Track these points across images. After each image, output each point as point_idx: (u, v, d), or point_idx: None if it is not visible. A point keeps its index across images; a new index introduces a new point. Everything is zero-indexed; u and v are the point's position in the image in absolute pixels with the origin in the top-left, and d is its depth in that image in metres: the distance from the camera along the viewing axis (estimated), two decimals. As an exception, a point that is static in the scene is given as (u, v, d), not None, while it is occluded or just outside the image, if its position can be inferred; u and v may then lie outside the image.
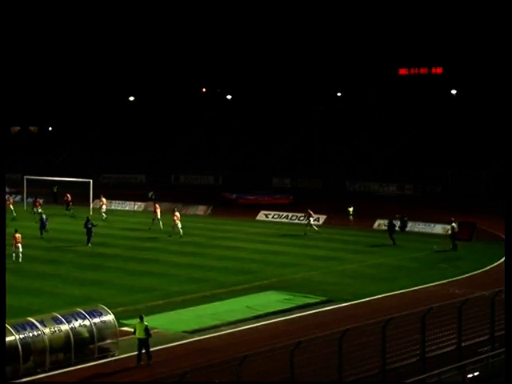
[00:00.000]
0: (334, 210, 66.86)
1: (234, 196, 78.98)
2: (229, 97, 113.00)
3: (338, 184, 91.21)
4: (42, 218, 55.59)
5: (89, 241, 51.04)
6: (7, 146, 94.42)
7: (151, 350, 27.71)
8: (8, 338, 26.29)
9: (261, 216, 66.66)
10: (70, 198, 67.25)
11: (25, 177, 73.39)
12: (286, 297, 37.97)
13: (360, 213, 65.63)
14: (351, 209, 64.83)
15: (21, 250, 45.70)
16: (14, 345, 26.28)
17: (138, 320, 28.21)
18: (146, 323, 27.77)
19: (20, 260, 45.46)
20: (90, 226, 51.29)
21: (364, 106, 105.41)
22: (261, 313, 34.82)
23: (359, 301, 37.16)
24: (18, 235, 45.81)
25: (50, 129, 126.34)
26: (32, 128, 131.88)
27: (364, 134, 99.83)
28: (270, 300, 37.32)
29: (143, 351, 27.51)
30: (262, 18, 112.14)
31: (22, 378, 26.26)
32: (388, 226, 54.08)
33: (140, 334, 27.52)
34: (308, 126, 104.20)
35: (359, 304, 36.68)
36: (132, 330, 29.00)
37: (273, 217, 66.09)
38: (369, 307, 35.84)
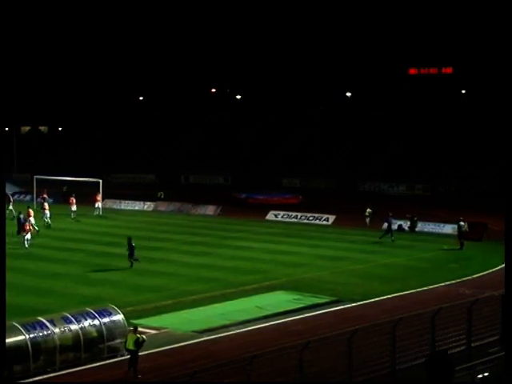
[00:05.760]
0: (343, 210, 66.77)
1: (244, 196, 78.94)
2: (238, 96, 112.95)
3: (348, 184, 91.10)
4: (19, 218, 55.06)
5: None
6: (17, 146, 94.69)
7: (160, 349, 27.65)
8: (18, 338, 26.44)
9: (270, 216, 66.64)
10: (74, 202, 66.10)
11: (34, 176, 73.47)
12: (296, 297, 37.96)
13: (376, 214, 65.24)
14: (369, 210, 61.64)
15: (29, 237, 49.72)
16: (24, 344, 26.40)
17: (132, 330, 27.65)
18: (137, 335, 27.08)
19: (27, 246, 49.01)
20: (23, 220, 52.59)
21: (374, 106, 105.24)
22: (270, 313, 34.80)
23: (368, 301, 37.11)
24: (27, 225, 50.38)
25: (60, 129, 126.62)
26: (42, 128, 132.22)
27: (373, 134, 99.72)
28: (280, 300, 37.32)
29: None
30: (273, 16, 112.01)
31: (32, 377, 26.34)
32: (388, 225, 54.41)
33: (129, 345, 26.90)
34: (317, 125, 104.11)
35: (368, 304, 36.64)
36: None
37: (282, 217, 66.05)
38: (378, 307, 35.80)
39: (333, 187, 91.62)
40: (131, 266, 43.81)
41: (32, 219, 56.28)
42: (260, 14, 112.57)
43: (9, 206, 64.45)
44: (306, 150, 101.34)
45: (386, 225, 54.97)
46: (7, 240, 53.46)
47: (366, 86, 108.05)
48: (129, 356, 26.97)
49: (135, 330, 27.42)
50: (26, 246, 49.60)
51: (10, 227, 57.42)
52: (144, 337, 27.39)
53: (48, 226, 59.02)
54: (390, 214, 55.70)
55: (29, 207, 59.09)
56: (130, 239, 44.53)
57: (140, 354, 27.24)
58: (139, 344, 26.82)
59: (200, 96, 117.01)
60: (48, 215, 60.23)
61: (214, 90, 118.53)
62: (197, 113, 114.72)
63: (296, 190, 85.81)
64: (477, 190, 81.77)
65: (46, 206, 61.93)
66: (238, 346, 29.50)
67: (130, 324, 29.80)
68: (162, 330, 30.16)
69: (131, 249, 44.19)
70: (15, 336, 26.45)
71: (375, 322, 29.03)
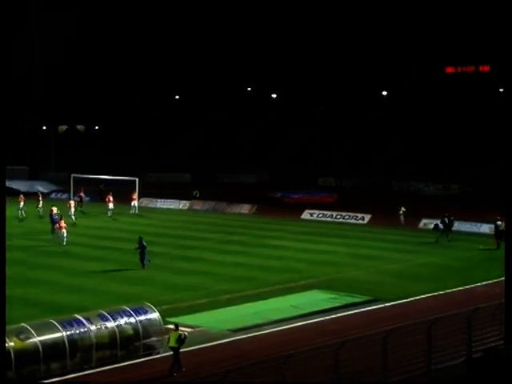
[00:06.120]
0: (379, 209, 66.51)
1: (279, 195, 78.85)
2: (274, 95, 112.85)
3: (384, 183, 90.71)
4: (51, 216, 55.73)
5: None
6: (55, 144, 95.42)
7: (194, 348, 27.72)
8: (55, 335, 26.72)
9: (305, 215, 66.54)
10: (111, 200, 66.50)
11: (72, 175, 74.11)
12: (331, 296, 37.89)
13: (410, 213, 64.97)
14: (403, 209, 61.94)
15: (65, 235, 50.48)
16: (61, 341, 26.65)
17: (173, 327, 27.86)
18: (179, 332, 27.33)
19: (65, 243, 49.85)
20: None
21: (411, 105, 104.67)
22: (305, 312, 34.75)
23: (404, 300, 36.93)
24: (62, 222, 51.19)
25: (97, 128, 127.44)
26: (79, 127, 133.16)
27: (411, 133, 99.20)
28: (315, 299, 37.26)
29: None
30: (278, 13, 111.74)
31: (69, 374, 26.58)
32: (436, 225, 54.11)
33: (172, 343, 27.09)
34: (354, 125, 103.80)
35: (404, 304, 36.46)
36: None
37: (317, 216, 65.93)
38: (414, 307, 35.61)
39: (368, 186, 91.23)
40: (143, 266, 43.40)
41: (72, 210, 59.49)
42: (266, 12, 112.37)
43: (38, 204, 65.10)
44: (342, 150, 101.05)
45: (440, 225, 54.54)
46: (42, 237, 54.52)
47: (402, 85, 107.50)
48: (172, 353, 27.09)
49: (177, 328, 27.58)
50: (64, 243, 50.12)
51: (42, 225, 58.25)
52: (186, 334, 27.61)
53: (73, 224, 58.98)
54: (445, 215, 54.96)
55: (53, 206, 59.10)
56: (141, 239, 44.11)
57: (171, 353, 27.39)
58: (181, 341, 27.02)
59: (237, 96, 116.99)
60: (73, 212, 60.81)
61: (249, 89, 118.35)
62: (234, 112, 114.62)
63: (331, 189, 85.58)
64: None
65: (72, 203, 62.43)
66: (272, 345, 29.46)
67: (165, 322, 30.00)
68: (197, 329, 30.25)
69: (142, 248, 43.77)
70: (52, 333, 26.74)
71: (410, 321, 28.88)
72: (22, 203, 64.52)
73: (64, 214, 56.90)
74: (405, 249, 51.09)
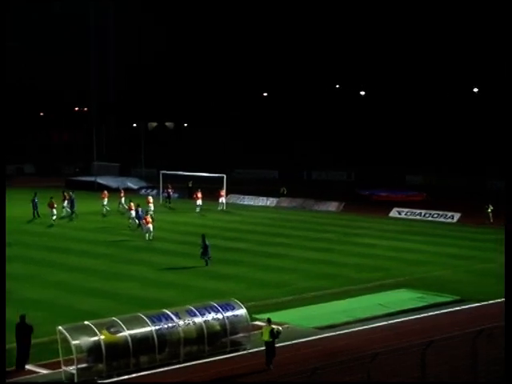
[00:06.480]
0: (469, 208, 65.42)
1: (367, 192, 78.50)
2: (362, 93, 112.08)
3: (477, 181, 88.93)
4: (137, 211, 56.58)
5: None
6: (145, 141, 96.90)
7: (281, 345, 27.70)
8: (144, 329, 27.15)
9: (394, 213, 65.95)
10: (199, 196, 67.18)
11: (161, 172, 75.21)
12: (419, 295, 37.48)
13: (499, 211, 63.74)
14: (490, 207, 60.81)
15: (151, 230, 51.21)
16: (150, 336, 27.07)
17: (266, 322, 28.04)
18: (272, 326, 27.46)
19: (151, 238, 50.88)
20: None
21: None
22: (392, 310, 34.49)
23: (494, 301, 36.24)
24: (148, 217, 52.14)
25: (185, 125, 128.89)
26: (168, 124, 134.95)
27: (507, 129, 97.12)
28: (402, 298, 36.92)
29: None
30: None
31: (157, 368, 26.98)
32: None
33: (265, 337, 27.26)
34: (444, 123, 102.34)
35: (494, 304, 35.77)
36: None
37: (406, 214, 65.27)
38: (503, 308, 34.87)
39: (460, 184, 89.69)
40: (206, 264, 43.52)
41: (151, 205, 60.16)
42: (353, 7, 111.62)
43: (120, 200, 66.01)
44: (431, 148, 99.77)
45: None
46: (126, 232, 55.52)
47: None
48: (260, 350, 27.26)
49: (269, 322, 27.68)
50: (150, 237, 50.92)
51: (125, 220, 58.94)
52: (280, 328, 27.77)
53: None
54: None
55: (130, 201, 60.00)
56: (203, 237, 44.15)
57: (262, 348, 27.59)
58: (275, 335, 27.12)
59: (324, 93, 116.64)
60: (152, 208, 61.44)
61: (337, 86, 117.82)
62: (322, 109, 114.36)
63: (419, 188, 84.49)
64: None
65: (151, 199, 63.35)
66: (359, 344, 29.36)
67: (252, 319, 30.18)
68: (284, 326, 30.29)
69: (205, 247, 43.86)
70: (141, 327, 27.20)
71: (501, 322, 28.33)
72: (105, 199, 65.53)
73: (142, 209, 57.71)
74: (495, 248, 50.05)
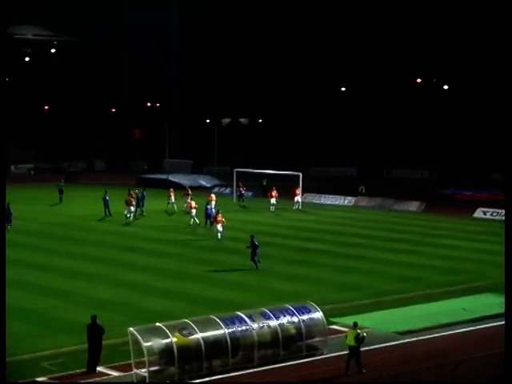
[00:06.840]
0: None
1: (450, 191, 76.59)
2: (445, 87, 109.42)
3: None
4: (207, 209, 55.98)
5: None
6: (218, 138, 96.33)
7: (360, 349, 26.75)
8: (217, 332, 26.38)
9: (478, 213, 63.98)
10: (274, 195, 65.97)
11: (234, 169, 74.28)
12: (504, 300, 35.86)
13: None
14: None
15: (221, 229, 49.89)
16: (223, 339, 26.29)
17: (351, 326, 27.23)
18: (358, 330, 26.67)
19: (219, 238, 49.73)
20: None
21: None
22: (477, 316, 33.04)
23: None
24: (219, 216, 50.51)
25: (260, 121, 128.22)
26: (242, 120, 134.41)
27: None
28: (487, 302, 35.35)
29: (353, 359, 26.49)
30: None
31: (230, 372, 26.20)
32: None
33: (350, 342, 26.48)
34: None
35: None
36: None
37: (491, 214, 63.20)
38: None
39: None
40: (256, 267, 41.77)
41: (213, 203, 58.17)
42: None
43: (186, 199, 62.62)
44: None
45: None
46: (194, 231, 54.55)
47: None
48: (347, 352, 26.44)
49: (355, 326, 26.90)
50: (219, 237, 49.87)
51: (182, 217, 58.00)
52: (364, 334, 26.97)
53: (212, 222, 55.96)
54: None
55: (191, 199, 59.09)
56: (252, 237, 42.27)
57: (339, 353, 26.77)
58: (360, 340, 26.38)
59: (406, 87, 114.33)
60: (213, 205, 58.74)
61: (419, 81, 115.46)
62: (404, 105, 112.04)
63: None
64: None
65: (214, 197, 60.59)
66: (441, 350, 28.29)
67: (329, 322, 29.18)
68: (363, 330, 29.20)
69: (254, 248, 41.99)
70: (214, 330, 26.42)
71: None
72: (172, 197, 64.31)
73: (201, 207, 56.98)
74: None
